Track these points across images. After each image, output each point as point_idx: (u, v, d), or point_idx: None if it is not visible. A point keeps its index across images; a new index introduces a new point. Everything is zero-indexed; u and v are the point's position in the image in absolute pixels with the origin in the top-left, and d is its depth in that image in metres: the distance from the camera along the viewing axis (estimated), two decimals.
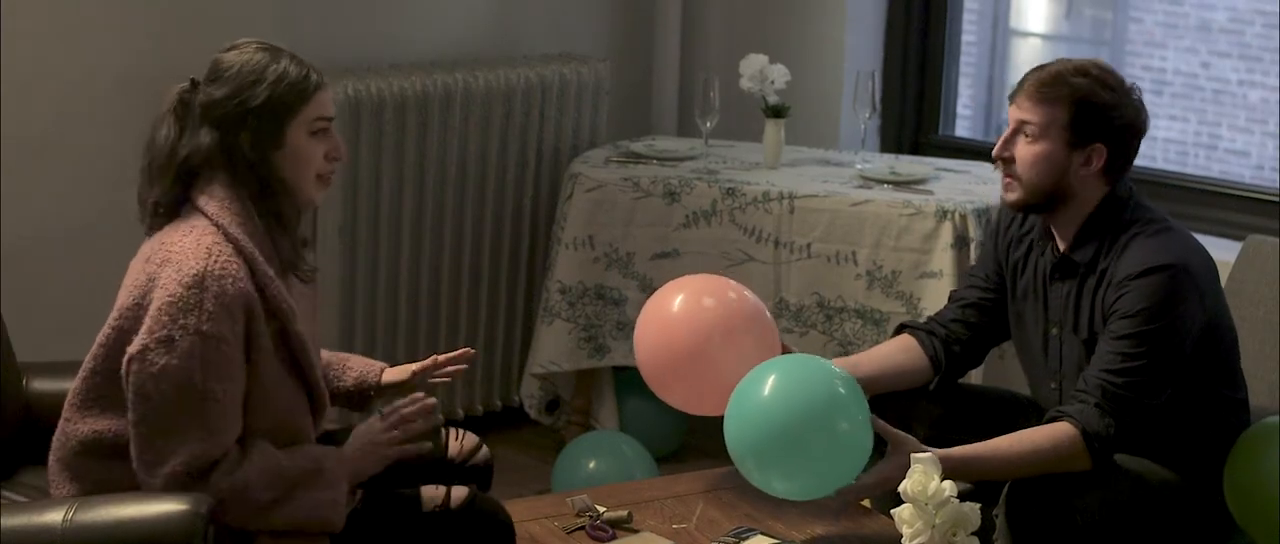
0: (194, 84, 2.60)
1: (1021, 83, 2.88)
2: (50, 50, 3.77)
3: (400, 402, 2.68)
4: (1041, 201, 2.89)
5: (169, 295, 2.47)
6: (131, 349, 2.48)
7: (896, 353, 3.11)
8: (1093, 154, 2.85)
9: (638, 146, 4.41)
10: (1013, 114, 2.89)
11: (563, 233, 4.18)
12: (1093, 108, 2.83)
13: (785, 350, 3.03)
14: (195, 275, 2.47)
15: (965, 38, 4.93)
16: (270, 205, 2.58)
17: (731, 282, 3.07)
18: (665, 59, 4.87)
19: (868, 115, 4.25)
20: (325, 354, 2.86)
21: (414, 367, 2.85)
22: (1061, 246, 2.93)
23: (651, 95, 4.90)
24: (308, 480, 2.54)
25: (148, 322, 2.47)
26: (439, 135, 4.20)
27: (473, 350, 2.82)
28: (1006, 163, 2.90)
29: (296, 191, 2.60)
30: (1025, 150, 2.86)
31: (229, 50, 2.60)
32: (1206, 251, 2.90)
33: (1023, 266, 3.02)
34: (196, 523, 2.38)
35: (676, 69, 4.88)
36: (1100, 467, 2.78)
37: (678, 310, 2.98)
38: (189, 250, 2.50)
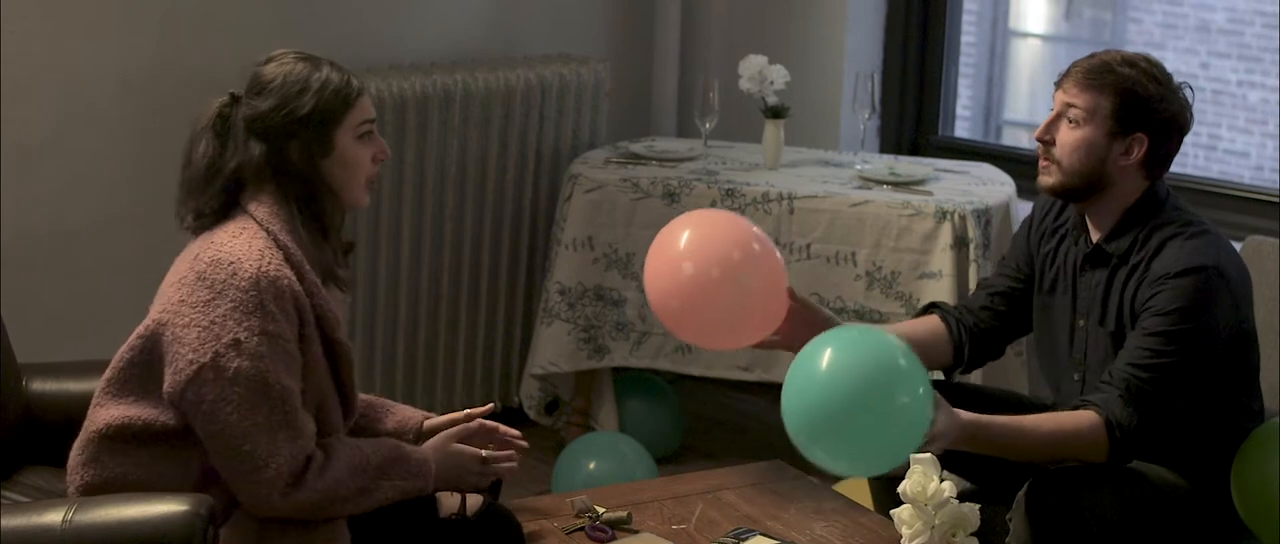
0: (234, 98, 2.61)
1: (1069, 69, 2.90)
2: (50, 50, 3.77)
3: (501, 450, 2.81)
4: (1077, 187, 2.89)
5: (229, 301, 2.49)
6: (199, 359, 2.48)
7: (923, 332, 3.11)
8: (1134, 144, 2.85)
9: (637, 147, 4.41)
10: (1058, 98, 2.90)
11: (562, 234, 4.18)
12: (1138, 98, 2.84)
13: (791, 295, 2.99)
14: (251, 278, 2.49)
15: (965, 39, 4.94)
16: (317, 213, 2.62)
17: (738, 221, 2.94)
18: (665, 59, 4.87)
19: (867, 116, 4.26)
20: (369, 397, 2.89)
21: (453, 417, 2.86)
22: (1095, 237, 2.94)
23: (651, 96, 4.90)
24: (389, 468, 2.61)
25: (211, 329, 2.48)
26: (439, 136, 4.21)
27: (521, 440, 2.88)
28: (1046, 146, 2.90)
29: (345, 196, 2.64)
30: (1067, 135, 2.87)
31: (267, 63, 2.62)
32: (1240, 259, 2.91)
33: (1053, 258, 3.03)
34: (196, 523, 2.38)
35: (676, 69, 4.88)
36: (1117, 463, 2.78)
37: (677, 252, 2.87)
38: (241, 252, 2.52)
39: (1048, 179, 2.92)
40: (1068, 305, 2.99)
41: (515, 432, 2.86)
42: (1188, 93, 2.91)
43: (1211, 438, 2.89)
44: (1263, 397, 2.99)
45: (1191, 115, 2.91)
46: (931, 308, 3.20)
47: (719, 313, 2.86)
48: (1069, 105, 2.87)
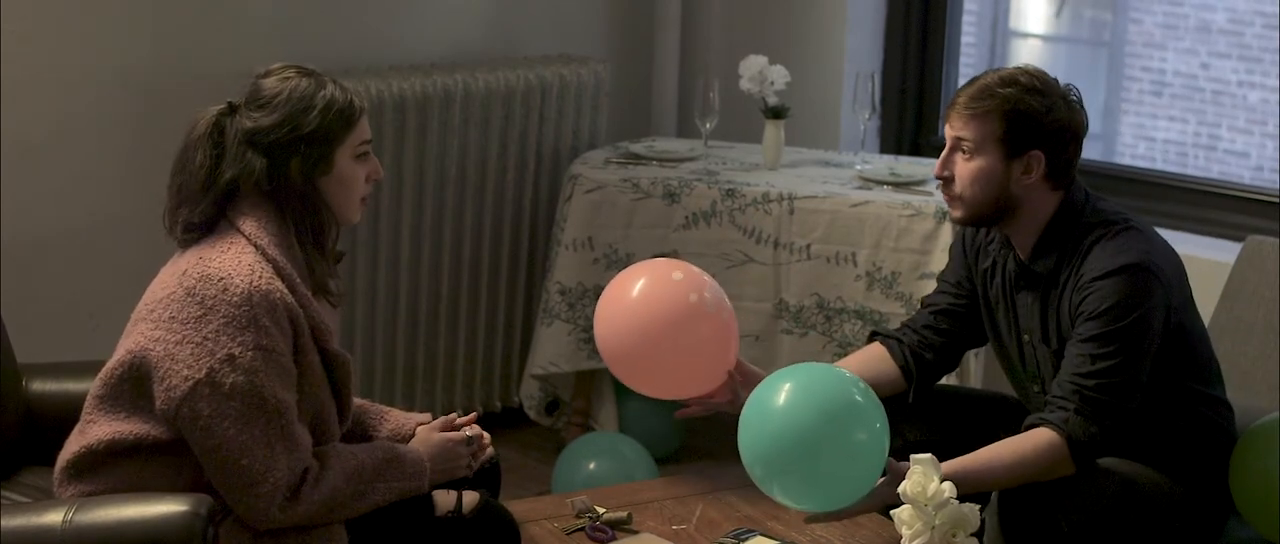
0: (231, 107, 2.61)
1: (954, 100, 2.87)
2: (50, 50, 3.77)
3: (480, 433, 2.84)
4: (986, 214, 2.88)
5: (221, 317, 2.49)
6: (194, 375, 2.48)
7: (870, 362, 3.10)
8: (1031, 162, 2.83)
9: (637, 148, 4.41)
10: (947, 132, 2.88)
11: (562, 234, 4.18)
12: (1023, 116, 2.81)
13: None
14: (243, 293, 2.49)
15: (965, 39, 4.94)
16: (314, 228, 2.62)
17: (676, 267, 3.01)
18: (665, 60, 4.87)
19: (867, 116, 4.26)
20: (362, 403, 2.89)
21: (443, 421, 2.86)
22: (1021, 256, 2.93)
23: (651, 96, 4.90)
24: (385, 470, 2.62)
25: (205, 345, 2.48)
26: (439, 136, 4.21)
27: (488, 441, 2.89)
28: (946, 182, 2.89)
29: (340, 213, 2.64)
30: (963, 167, 2.86)
31: (266, 76, 2.61)
32: (1170, 247, 2.89)
33: (991, 274, 3.02)
34: (196, 523, 2.39)
35: (676, 70, 4.88)
36: (1085, 468, 2.78)
37: (628, 305, 2.95)
38: (230, 267, 2.51)
39: (955, 213, 2.90)
40: (1011, 322, 2.99)
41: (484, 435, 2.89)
42: (1075, 94, 2.88)
43: (1169, 428, 2.89)
44: (1223, 383, 2.97)
45: (1085, 117, 2.89)
46: (873, 336, 3.19)
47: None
48: (959, 139, 2.85)
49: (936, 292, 3.15)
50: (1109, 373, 2.77)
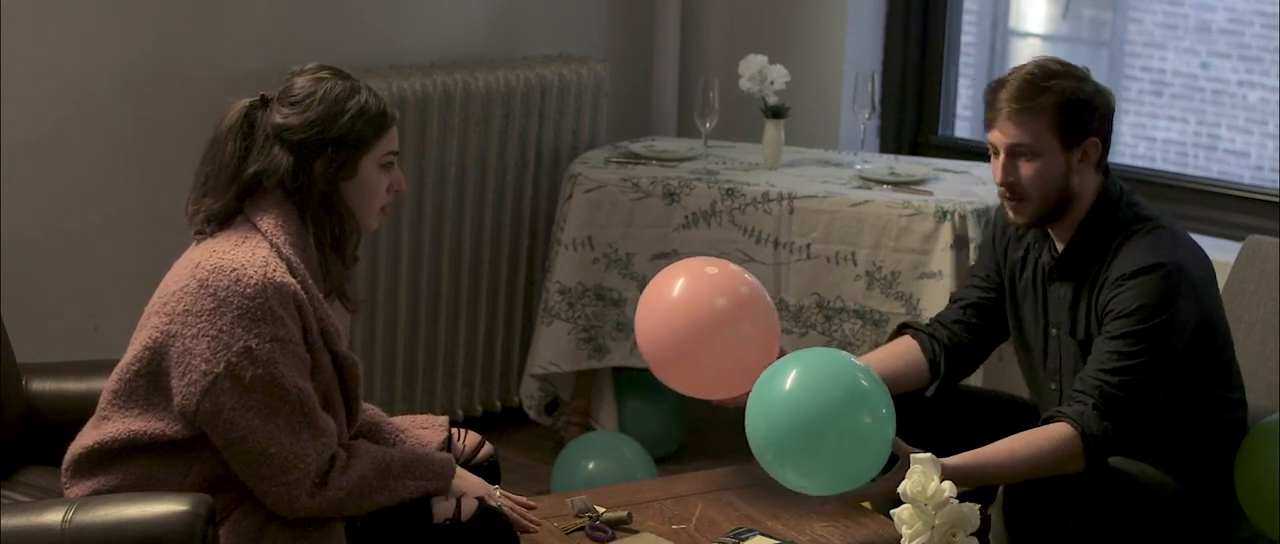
0: (264, 100, 2.61)
1: (996, 105, 2.84)
2: (50, 50, 3.77)
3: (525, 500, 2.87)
4: (1052, 209, 2.87)
5: (236, 309, 2.48)
6: (212, 369, 2.48)
7: (897, 356, 3.10)
8: (1088, 149, 2.84)
9: (637, 147, 4.41)
10: (998, 139, 2.85)
11: (562, 233, 4.18)
12: (1076, 105, 2.82)
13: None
14: (257, 285, 2.49)
15: (965, 38, 4.93)
16: (332, 230, 2.62)
17: (732, 268, 3.06)
18: (665, 59, 4.87)
19: (867, 116, 4.26)
20: (378, 415, 2.88)
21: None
22: (1059, 247, 2.93)
23: (651, 96, 4.90)
24: (413, 466, 2.63)
25: (221, 338, 2.48)
26: (439, 136, 4.21)
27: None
28: (1012, 187, 2.87)
29: (359, 220, 2.65)
30: (1028, 169, 2.84)
31: (299, 74, 2.61)
32: (1201, 249, 2.90)
33: (1022, 266, 3.01)
34: (196, 523, 2.38)
35: (676, 69, 4.88)
36: (1095, 468, 2.78)
37: (679, 297, 2.98)
38: (244, 260, 2.51)
39: (1023, 217, 2.89)
40: (1039, 314, 2.98)
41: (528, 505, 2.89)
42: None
43: (1189, 431, 2.89)
44: (1243, 387, 2.97)
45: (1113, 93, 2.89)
46: (903, 329, 3.19)
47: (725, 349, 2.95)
48: (1016, 145, 2.83)
49: (966, 286, 3.16)
50: (1133, 371, 2.77)
